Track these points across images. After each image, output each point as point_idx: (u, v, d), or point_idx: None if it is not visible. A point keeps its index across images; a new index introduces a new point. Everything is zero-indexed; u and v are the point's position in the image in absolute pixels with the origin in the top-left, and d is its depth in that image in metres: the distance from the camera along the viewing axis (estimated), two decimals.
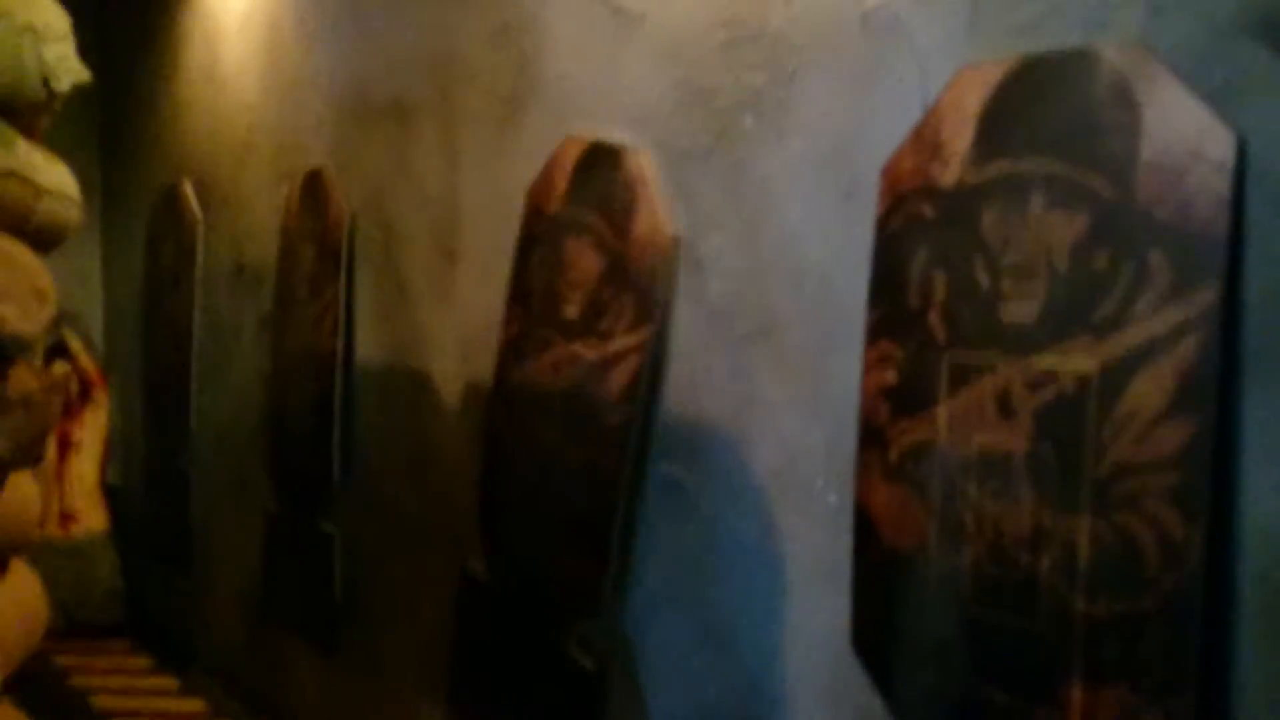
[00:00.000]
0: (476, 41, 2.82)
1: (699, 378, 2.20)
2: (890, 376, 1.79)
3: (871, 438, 1.83)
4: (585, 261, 2.44)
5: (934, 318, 1.73)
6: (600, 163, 2.42)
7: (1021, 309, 1.61)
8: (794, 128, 2.02)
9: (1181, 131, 1.45)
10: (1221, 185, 1.40)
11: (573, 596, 2.43)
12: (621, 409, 2.31)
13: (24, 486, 2.48)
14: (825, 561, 1.94)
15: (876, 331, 1.83)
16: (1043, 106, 1.61)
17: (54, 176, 2.48)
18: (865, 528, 1.83)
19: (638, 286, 2.31)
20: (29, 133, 2.48)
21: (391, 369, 3.18)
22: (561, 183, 2.53)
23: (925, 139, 1.77)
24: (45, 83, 2.39)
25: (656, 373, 2.27)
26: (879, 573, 1.81)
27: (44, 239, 2.48)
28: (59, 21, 2.42)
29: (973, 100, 1.70)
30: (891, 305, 1.80)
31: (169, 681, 4.28)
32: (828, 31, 1.96)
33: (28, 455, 2.34)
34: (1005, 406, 1.62)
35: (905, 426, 1.76)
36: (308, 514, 3.51)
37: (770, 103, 2.06)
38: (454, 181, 2.92)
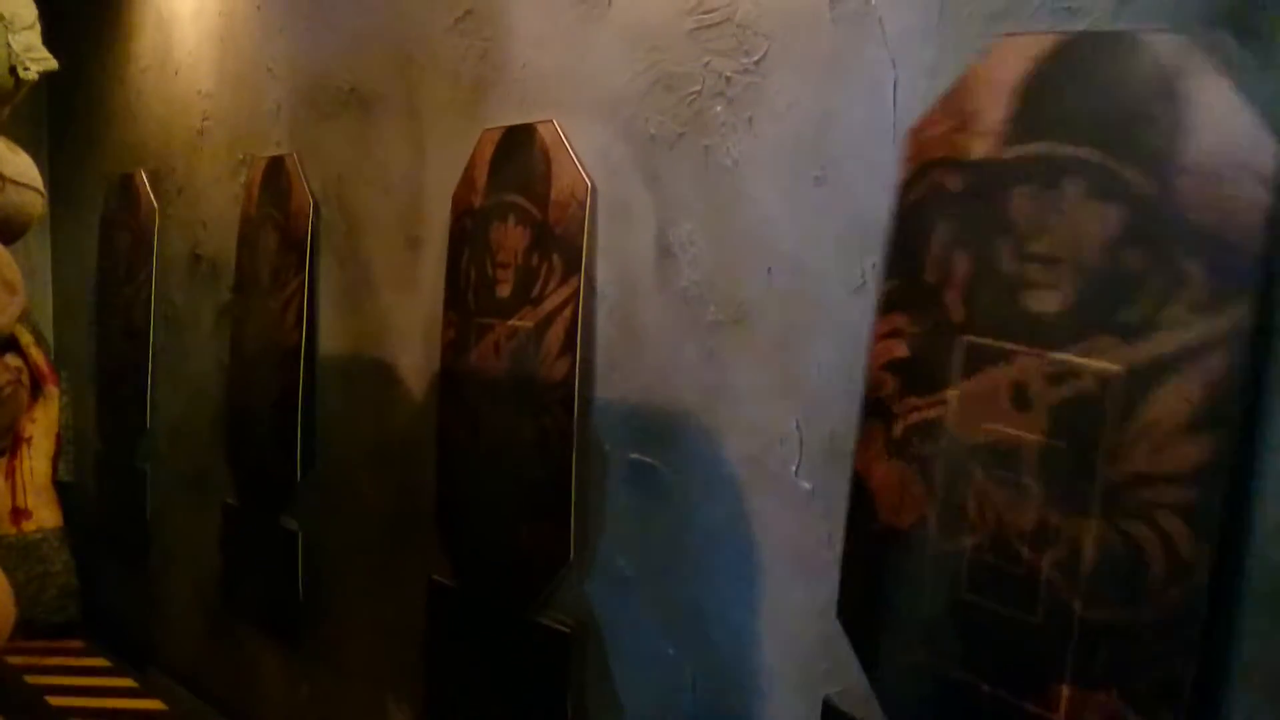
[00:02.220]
0: (439, 27, 2.79)
1: (670, 365, 2.19)
2: (900, 350, 1.73)
3: (876, 410, 1.77)
4: (511, 239, 2.50)
5: (951, 296, 1.66)
6: (515, 144, 2.51)
7: (1046, 299, 1.54)
8: (764, 114, 2.02)
9: (1228, 136, 1.38)
10: (1263, 197, 1.34)
11: (539, 570, 2.43)
12: (563, 363, 2.35)
13: None
14: (799, 547, 1.95)
15: (889, 303, 1.75)
16: (1085, 89, 1.53)
17: (17, 166, 2.44)
18: (861, 500, 1.78)
19: (563, 241, 2.37)
20: None
21: (355, 360, 3.15)
22: (481, 177, 2.60)
23: (956, 107, 1.67)
24: (13, 71, 2.34)
25: (590, 317, 2.32)
26: (872, 546, 1.77)
27: (7, 230, 2.43)
28: (26, 10, 2.38)
29: (1009, 73, 1.61)
30: (907, 277, 1.73)
31: (127, 681, 4.21)
32: (797, 18, 1.97)
33: None
34: (1021, 397, 1.56)
35: (913, 404, 1.70)
36: (269, 509, 3.47)
37: (740, 89, 2.06)
38: (418, 169, 2.89)
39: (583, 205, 2.33)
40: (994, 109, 1.63)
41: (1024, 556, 1.56)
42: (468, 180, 2.66)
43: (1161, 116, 1.44)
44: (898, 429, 1.73)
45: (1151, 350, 1.43)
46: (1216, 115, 1.40)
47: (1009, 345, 1.58)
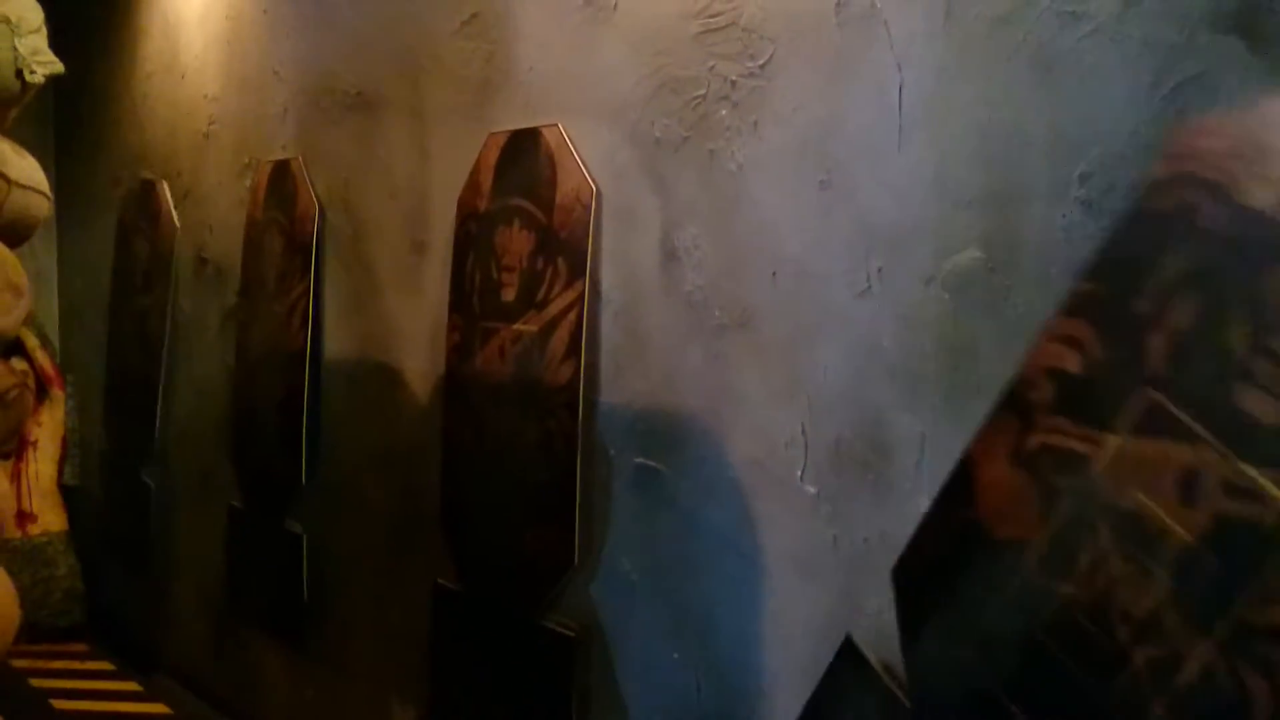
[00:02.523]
0: (445, 31, 2.80)
1: (675, 369, 2.19)
2: (1072, 363, 1.55)
3: (1017, 408, 1.61)
4: (516, 243, 2.51)
5: (1157, 340, 1.45)
6: (520, 148, 2.51)
7: (1262, 404, 1.35)
8: (769, 118, 2.02)
9: None
10: None
11: (544, 573, 2.43)
12: (567, 365, 2.35)
13: None
14: (804, 552, 1.94)
15: (1080, 304, 1.55)
16: None
17: (24, 169, 2.45)
18: (964, 485, 1.67)
19: (568, 245, 2.37)
20: None
21: (359, 364, 3.15)
22: (486, 181, 2.61)
23: (1245, 130, 1.41)
24: (19, 74, 2.35)
25: (595, 320, 2.32)
26: (957, 535, 1.68)
27: (14, 233, 2.43)
28: (33, 14, 2.39)
29: None
30: (1113, 289, 1.51)
31: (131, 685, 4.21)
32: (802, 21, 1.97)
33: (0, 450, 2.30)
34: (1189, 488, 1.41)
35: (1063, 425, 1.55)
36: (274, 512, 3.47)
37: (745, 93, 2.06)
38: (423, 173, 2.89)
39: (587, 209, 2.33)
40: None
41: (1120, 637, 1.46)
42: (473, 184, 2.67)
43: None
44: (1034, 440, 1.58)
45: None
46: None
47: (1199, 428, 1.40)
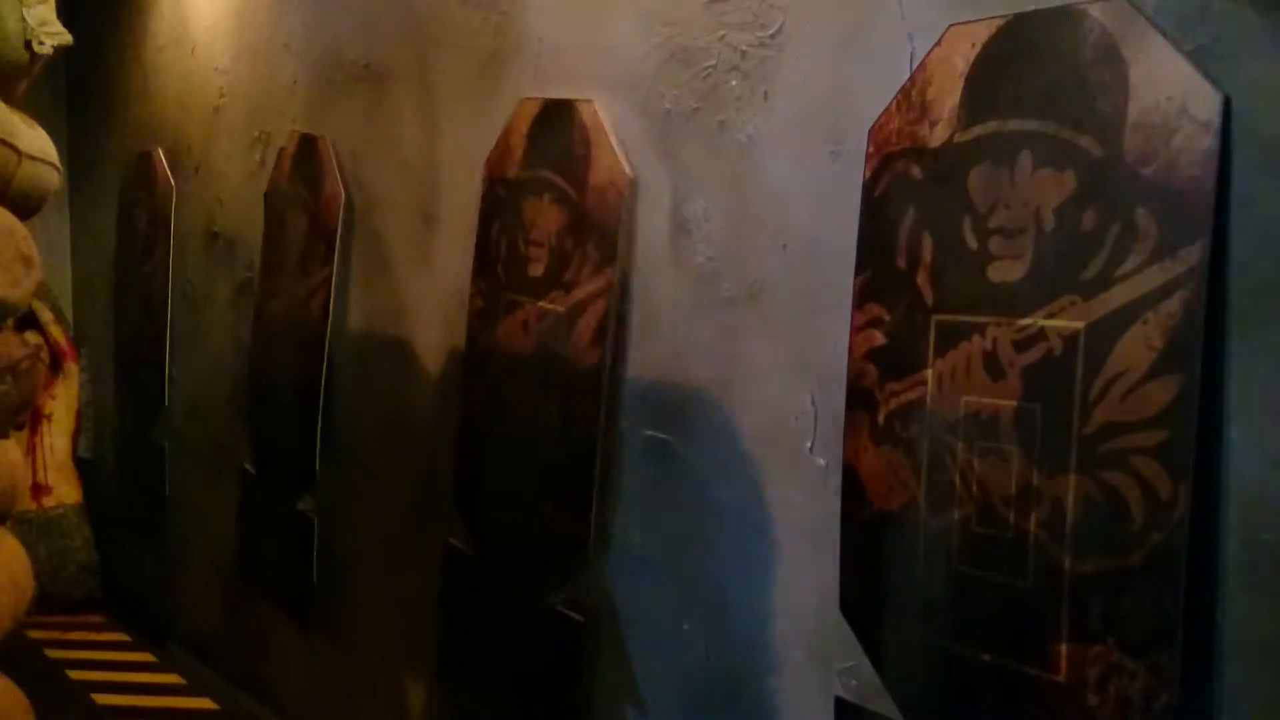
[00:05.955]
0: (453, 1, 2.78)
1: (685, 342, 2.19)
2: (878, 339, 1.80)
3: (859, 400, 1.83)
4: (546, 219, 2.47)
5: (922, 279, 1.73)
6: (554, 120, 2.47)
7: (1009, 269, 1.61)
8: (780, 88, 2.01)
9: (1168, 90, 1.45)
10: (1208, 144, 1.41)
11: (558, 551, 2.43)
12: (592, 353, 2.32)
13: (11, 452, 2.45)
14: (814, 524, 1.94)
15: (864, 294, 1.83)
16: (1030, 65, 1.61)
17: (34, 141, 2.44)
18: (853, 490, 1.84)
19: (600, 230, 2.34)
20: (7, 97, 2.43)
21: (371, 338, 3.15)
22: (518, 148, 2.57)
23: (912, 99, 1.76)
24: (27, 45, 2.34)
25: (624, 313, 2.29)
26: (867, 535, 1.82)
27: (24, 204, 2.43)
28: None
29: (960, 60, 1.69)
30: (879, 267, 1.80)
31: (146, 655, 4.26)
32: None
33: (11, 423, 2.31)
34: (993, 367, 1.63)
35: (893, 389, 1.76)
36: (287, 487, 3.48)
37: (755, 63, 2.05)
38: (433, 145, 2.88)
39: (621, 195, 2.28)
40: (948, 96, 1.70)
41: (1011, 521, 1.60)
42: (503, 148, 2.60)
43: (1105, 80, 1.52)
44: (881, 416, 1.78)
45: (1111, 303, 1.49)
46: (1157, 72, 1.47)
47: (978, 318, 1.65)
